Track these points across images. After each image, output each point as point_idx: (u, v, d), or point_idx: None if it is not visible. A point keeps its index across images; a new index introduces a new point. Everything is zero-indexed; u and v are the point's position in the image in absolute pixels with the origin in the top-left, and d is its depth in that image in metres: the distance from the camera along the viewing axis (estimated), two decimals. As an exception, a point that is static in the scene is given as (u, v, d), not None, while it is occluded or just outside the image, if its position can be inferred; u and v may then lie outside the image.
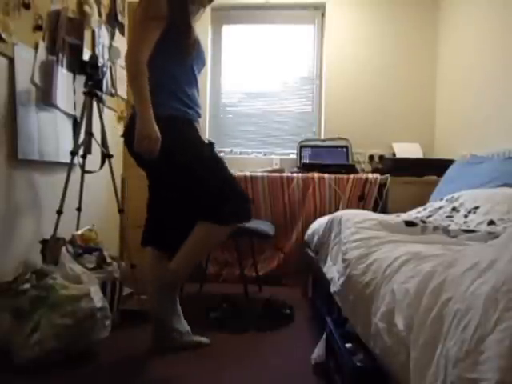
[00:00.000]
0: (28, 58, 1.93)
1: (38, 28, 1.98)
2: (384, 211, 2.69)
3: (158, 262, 1.76)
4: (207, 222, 1.63)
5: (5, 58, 1.79)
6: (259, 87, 3.69)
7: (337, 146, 3.45)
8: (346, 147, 3.43)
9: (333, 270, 1.55)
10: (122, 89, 2.97)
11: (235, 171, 3.12)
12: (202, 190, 1.63)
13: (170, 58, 1.58)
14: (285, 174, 3.04)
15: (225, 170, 1.70)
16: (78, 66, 2.20)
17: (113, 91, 2.82)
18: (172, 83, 1.59)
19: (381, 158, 3.36)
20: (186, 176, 1.62)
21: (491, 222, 1.57)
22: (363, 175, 2.97)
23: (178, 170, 1.61)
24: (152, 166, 1.63)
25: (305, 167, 3.15)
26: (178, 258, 1.66)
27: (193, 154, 1.62)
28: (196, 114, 1.70)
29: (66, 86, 2.23)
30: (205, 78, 3.51)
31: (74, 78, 2.30)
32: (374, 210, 2.79)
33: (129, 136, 1.61)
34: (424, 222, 1.53)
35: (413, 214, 2.06)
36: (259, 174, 3.04)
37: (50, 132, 2.12)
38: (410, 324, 0.81)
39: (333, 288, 1.45)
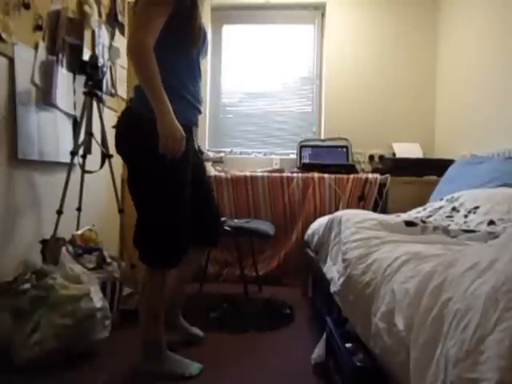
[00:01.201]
0: (28, 57, 1.93)
1: (38, 28, 1.98)
2: (384, 211, 2.69)
3: None
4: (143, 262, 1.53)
5: (5, 58, 1.79)
6: (259, 87, 3.69)
7: (337, 146, 3.45)
8: (346, 147, 3.43)
9: (333, 270, 1.55)
10: (122, 89, 2.97)
11: (235, 171, 3.13)
12: (154, 211, 1.48)
13: (173, 50, 1.43)
14: (285, 174, 3.04)
15: (183, 205, 1.52)
16: (77, 66, 2.20)
17: (113, 91, 2.82)
18: (174, 78, 1.43)
19: (381, 158, 3.36)
20: (149, 187, 1.47)
21: (491, 222, 1.57)
22: (363, 175, 2.97)
23: (148, 178, 1.47)
24: (132, 164, 1.50)
25: (305, 167, 3.15)
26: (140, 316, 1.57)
27: (172, 175, 1.47)
28: (197, 111, 1.59)
29: (66, 86, 2.23)
30: (205, 77, 3.51)
31: (74, 78, 2.30)
32: (374, 210, 2.79)
33: (119, 132, 1.50)
34: (424, 221, 1.53)
35: (413, 214, 2.06)
36: (259, 174, 3.04)
37: (50, 132, 2.12)
38: (410, 324, 0.81)
39: (333, 288, 1.45)
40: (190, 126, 1.54)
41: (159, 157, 1.38)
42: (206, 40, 1.57)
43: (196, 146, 1.64)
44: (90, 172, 2.13)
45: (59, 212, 1.94)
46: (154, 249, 1.50)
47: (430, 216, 1.94)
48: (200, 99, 1.59)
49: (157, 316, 1.54)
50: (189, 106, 1.53)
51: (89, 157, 2.14)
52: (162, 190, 1.46)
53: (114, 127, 1.53)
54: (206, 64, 3.54)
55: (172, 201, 1.48)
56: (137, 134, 1.44)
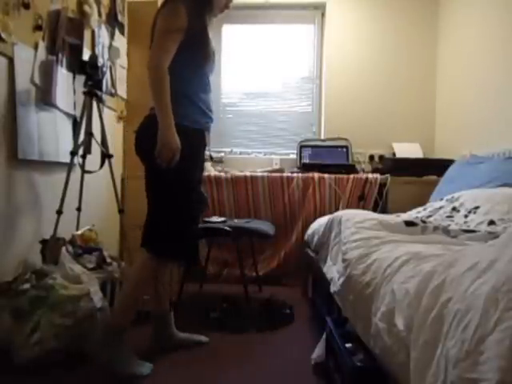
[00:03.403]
0: (28, 57, 1.93)
1: (37, 28, 1.98)
2: (384, 211, 2.69)
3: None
4: (145, 249, 1.61)
5: (5, 58, 1.79)
6: (259, 87, 3.69)
7: (337, 146, 3.45)
8: (346, 147, 3.43)
9: (333, 270, 1.55)
10: (122, 89, 2.97)
11: (235, 171, 3.13)
12: (166, 207, 1.60)
13: (187, 66, 1.60)
14: (285, 174, 3.04)
15: (193, 203, 1.66)
16: (77, 66, 2.19)
17: (113, 91, 2.82)
18: (188, 89, 1.61)
19: (381, 158, 3.36)
20: (163, 185, 1.59)
21: (491, 222, 1.57)
22: (363, 175, 2.97)
23: (163, 177, 1.58)
24: (149, 166, 1.62)
25: (305, 167, 3.15)
26: (117, 300, 1.63)
27: (184, 176, 1.60)
28: (209, 119, 1.72)
29: (66, 86, 2.23)
30: (205, 77, 3.51)
31: (74, 78, 2.29)
32: (374, 210, 2.79)
33: (139, 135, 1.64)
34: (424, 221, 1.53)
35: (413, 214, 2.06)
36: (259, 174, 3.04)
37: (50, 132, 2.11)
38: (410, 324, 0.81)
39: (333, 288, 1.45)
40: (203, 130, 1.68)
41: (189, 158, 1.56)
42: (214, 61, 1.74)
43: (208, 152, 1.79)
44: (89, 172, 2.13)
45: (59, 212, 1.93)
46: (164, 239, 1.59)
47: (430, 216, 1.93)
48: (211, 109, 1.73)
49: (136, 304, 1.61)
50: (202, 114, 1.67)
51: (89, 157, 2.14)
52: (176, 186, 1.59)
53: (135, 132, 1.67)
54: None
55: (184, 197, 1.61)
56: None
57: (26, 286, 1.59)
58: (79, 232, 2.06)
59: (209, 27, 1.70)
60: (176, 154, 1.51)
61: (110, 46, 2.76)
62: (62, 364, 1.54)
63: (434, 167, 2.80)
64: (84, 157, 2.11)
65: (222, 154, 3.48)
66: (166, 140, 1.49)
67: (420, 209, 2.14)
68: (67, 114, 2.26)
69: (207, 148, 1.76)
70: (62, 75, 2.18)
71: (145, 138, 1.62)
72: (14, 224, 1.87)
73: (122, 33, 2.96)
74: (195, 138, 1.64)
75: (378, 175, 2.93)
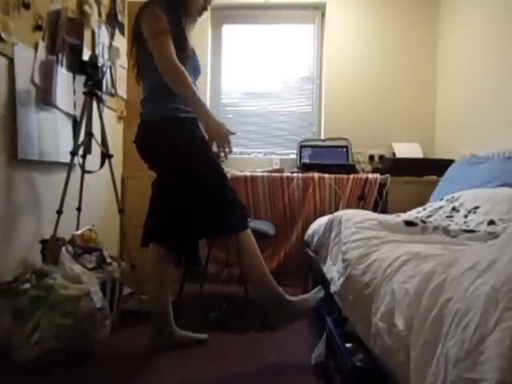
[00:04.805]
0: (28, 57, 1.93)
1: (37, 28, 1.98)
2: (384, 211, 2.69)
3: (162, 259, 1.77)
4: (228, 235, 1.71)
5: (5, 58, 1.79)
6: (259, 87, 3.69)
7: (337, 146, 3.45)
8: (346, 147, 3.43)
9: (333, 270, 1.55)
10: (122, 89, 2.97)
11: (235, 171, 3.13)
12: (211, 194, 1.68)
13: None
14: (285, 174, 3.04)
15: (225, 175, 1.78)
16: (77, 66, 2.19)
17: (113, 91, 2.82)
18: None
19: (381, 158, 3.36)
20: (196, 178, 1.67)
21: (491, 222, 1.57)
22: (363, 175, 2.97)
23: (190, 171, 1.65)
24: (165, 167, 1.66)
25: (305, 167, 3.15)
26: (253, 281, 1.77)
27: (204, 157, 1.69)
28: None
29: (66, 86, 2.23)
30: (205, 77, 3.51)
31: (74, 78, 2.30)
32: (374, 210, 2.79)
33: (139, 142, 1.70)
34: (424, 221, 1.53)
35: (413, 214, 2.06)
36: (259, 174, 3.04)
37: (50, 132, 2.11)
38: (410, 324, 0.81)
39: (333, 288, 1.45)
40: (195, 118, 1.73)
41: (197, 145, 1.66)
42: (198, 62, 1.80)
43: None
44: (89, 172, 2.13)
45: (59, 212, 1.93)
46: (234, 213, 1.70)
47: (430, 216, 1.93)
48: None
49: (265, 270, 1.76)
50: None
51: (89, 157, 2.14)
52: (214, 169, 1.71)
53: (135, 142, 1.71)
54: (206, 64, 3.54)
55: (220, 173, 1.74)
56: (168, 138, 1.64)
57: (26, 285, 1.59)
58: (79, 232, 2.06)
59: (187, 30, 1.75)
60: (228, 132, 1.61)
61: (110, 46, 2.76)
62: (62, 364, 1.54)
63: (434, 167, 2.81)
64: (84, 157, 2.11)
65: (222, 154, 3.47)
66: (215, 125, 1.58)
67: (420, 209, 2.14)
68: (67, 114, 2.26)
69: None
70: (62, 75, 2.18)
71: (151, 144, 1.66)
72: (13, 224, 1.87)
73: (122, 33, 2.96)
74: (194, 125, 1.70)
75: (377, 175, 2.93)
